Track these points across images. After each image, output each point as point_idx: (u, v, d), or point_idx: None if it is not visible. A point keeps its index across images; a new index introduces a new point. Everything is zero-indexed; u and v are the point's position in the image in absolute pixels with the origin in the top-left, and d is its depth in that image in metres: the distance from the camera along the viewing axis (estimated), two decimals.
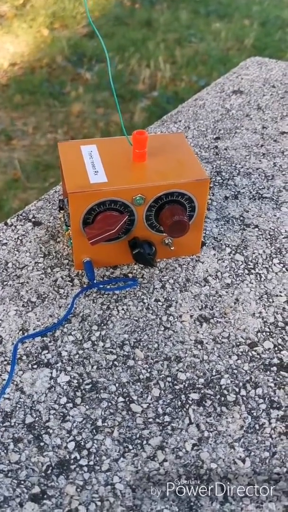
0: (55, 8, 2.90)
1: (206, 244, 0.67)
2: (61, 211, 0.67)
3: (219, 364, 0.54)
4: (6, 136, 1.99)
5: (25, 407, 0.49)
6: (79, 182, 0.57)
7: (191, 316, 0.58)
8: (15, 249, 0.66)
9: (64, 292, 0.61)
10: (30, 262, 0.64)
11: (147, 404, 0.50)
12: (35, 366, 0.53)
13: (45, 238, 0.68)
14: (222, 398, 0.51)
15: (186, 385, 0.52)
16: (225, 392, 0.51)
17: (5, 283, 0.62)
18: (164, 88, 2.28)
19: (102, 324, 0.57)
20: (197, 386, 0.52)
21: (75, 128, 2.04)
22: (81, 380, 0.52)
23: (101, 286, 0.61)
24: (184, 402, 0.50)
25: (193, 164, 0.61)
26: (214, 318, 0.58)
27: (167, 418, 0.49)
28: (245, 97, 1.02)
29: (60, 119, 2.09)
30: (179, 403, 0.50)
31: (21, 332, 0.56)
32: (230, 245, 0.68)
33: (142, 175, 0.59)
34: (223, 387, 0.52)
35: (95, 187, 0.57)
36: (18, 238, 0.68)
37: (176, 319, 0.58)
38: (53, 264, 0.64)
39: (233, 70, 1.14)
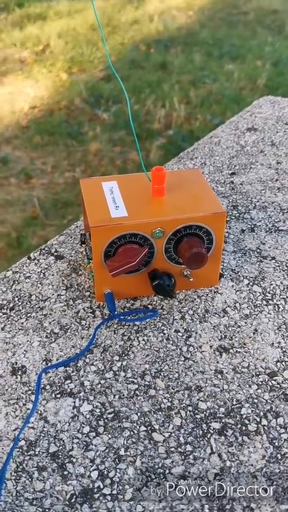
0: (73, 53, 3.02)
1: (224, 276, 0.69)
2: (82, 245, 0.69)
3: (239, 393, 0.54)
4: (25, 175, 2.05)
5: (49, 436, 0.50)
6: (101, 217, 0.59)
7: (210, 347, 0.59)
8: (38, 282, 0.68)
9: (86, 323, 0.62)
10: (53, 294, 0.66)
11: (169, 433, 0.50)
12: (58, 396, 0.54)
13: (67, 271, 0.70)
14: (243, 428, 0.51)
15: (207, 414, 0.52)
16: (246, 421, 0.52)
17: (29, 314, 0.63)
18: (179, 127, 2.34)
19: (123, 355, 0.58)
20: (218, 415, 0.52)
21: (92, 166, 2.10)
22: (103, 410, 0.53)
23: (122, 317, 0.63)
24: (205, 431, 0.51)
25: (210, 198, 0.63)
26: (234, 348, 0.59)
27: (189, 448, 0.49)
28: (259, 134, 1.05)
29: (78, 158, 2.15)
30: (201, 432, 0.51)
31: (44, 362, 0.57)
32: (248, 277, 0.69)
33: (161, 209, 0.61)
34: (244, 416, 0.52)
35: (116, 221, 0.59)
36: (41, 271, 0.70)
37: (196, 350, 0.59)
38: (75, 296, 0.66)
39: (246, 109, 1.18)
